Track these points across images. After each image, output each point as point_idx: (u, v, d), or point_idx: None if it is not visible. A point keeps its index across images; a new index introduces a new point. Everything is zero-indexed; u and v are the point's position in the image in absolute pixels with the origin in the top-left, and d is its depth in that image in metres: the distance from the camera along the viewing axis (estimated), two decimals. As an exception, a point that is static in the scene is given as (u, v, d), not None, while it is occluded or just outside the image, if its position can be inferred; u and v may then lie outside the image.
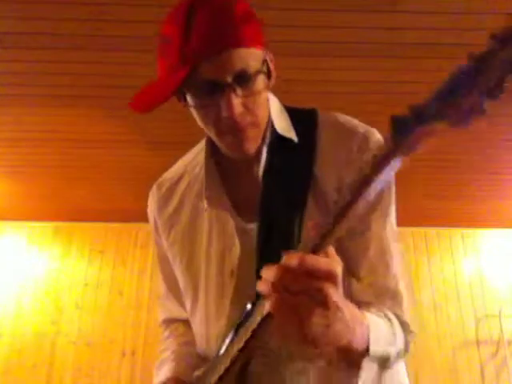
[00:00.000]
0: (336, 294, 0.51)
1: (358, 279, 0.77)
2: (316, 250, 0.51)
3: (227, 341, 0.69)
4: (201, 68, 0.70)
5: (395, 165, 0.47)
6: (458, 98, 0.41)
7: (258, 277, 0.60)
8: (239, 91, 0.72)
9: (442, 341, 3.73)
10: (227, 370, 0.68)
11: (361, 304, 0.71)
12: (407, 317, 0.75)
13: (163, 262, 0.99)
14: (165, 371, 0.88)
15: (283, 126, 0.83)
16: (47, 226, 4.10)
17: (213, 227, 0.86)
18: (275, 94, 0.94)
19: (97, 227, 4.08)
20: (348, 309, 0.55)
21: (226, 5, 0.72)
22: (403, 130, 0.45)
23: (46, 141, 2.91)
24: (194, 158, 0.95)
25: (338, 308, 0.52)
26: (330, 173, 0.80)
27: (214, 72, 0.70)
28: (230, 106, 0.71)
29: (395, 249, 0.81)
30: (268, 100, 0.82)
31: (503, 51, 0.39)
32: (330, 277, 0.51)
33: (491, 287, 3.93)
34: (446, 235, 4.12)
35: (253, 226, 0.80)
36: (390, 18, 2.01)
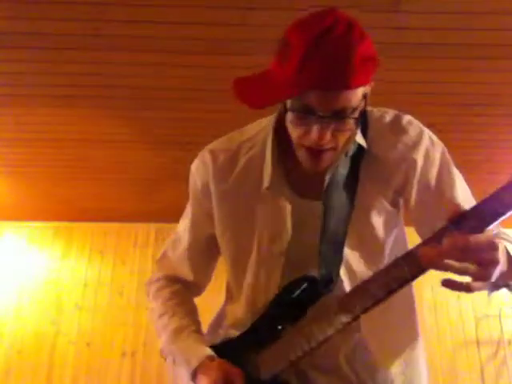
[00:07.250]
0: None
1: None
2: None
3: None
4: (307, 94, 0.75)
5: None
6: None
7: (322, 247, 0.87)
8: (333, 125, 0.78)
9: (441, 341, 3.73)
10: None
11: None
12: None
13: (197, 226, 1.04)
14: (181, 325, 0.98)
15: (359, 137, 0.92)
16: (47, 226, 4.10)
17: (269, 211, 0.93)
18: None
19: (97, 227, 4.08)
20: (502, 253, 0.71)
21: (350, 45, 0.76)
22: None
23: (45, 141, 2.91)
24: (250, 138, 0.98)
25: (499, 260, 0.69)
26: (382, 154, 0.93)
27: (317, 103, 0.75)
28: (321, 135, 0.77)
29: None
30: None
31: None
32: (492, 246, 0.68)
33: (491, 287, 3.93)
34: (446, 235, 4.11)
35: (317, 205, 0.90)
36: (393, 18, 2.00)
